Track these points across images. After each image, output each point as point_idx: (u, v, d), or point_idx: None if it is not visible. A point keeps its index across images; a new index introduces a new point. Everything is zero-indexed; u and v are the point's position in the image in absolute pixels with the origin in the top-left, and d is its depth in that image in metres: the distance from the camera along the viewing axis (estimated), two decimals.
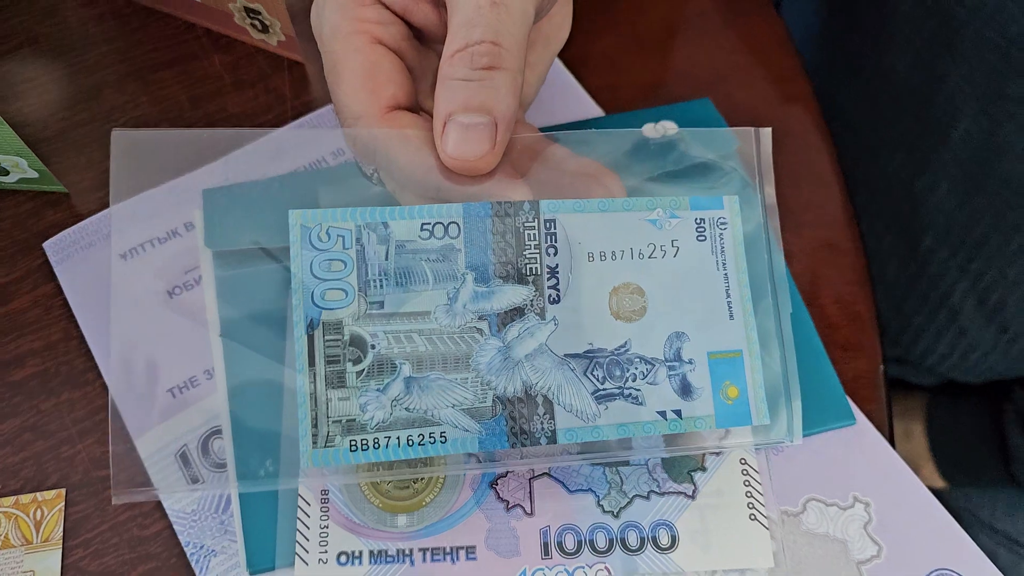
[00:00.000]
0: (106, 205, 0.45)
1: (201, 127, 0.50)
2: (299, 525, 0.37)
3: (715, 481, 0.40)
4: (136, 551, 0.39)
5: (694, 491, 0.39)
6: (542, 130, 0.40)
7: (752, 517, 0.39)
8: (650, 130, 0.43)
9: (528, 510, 0.39)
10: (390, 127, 0.35)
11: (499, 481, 0.39)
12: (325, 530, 0.37)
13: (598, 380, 0.35)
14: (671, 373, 0.36)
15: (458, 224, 0.35)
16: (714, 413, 0.36)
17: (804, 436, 0.40)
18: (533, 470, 0.39)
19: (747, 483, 0.40)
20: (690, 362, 0.36)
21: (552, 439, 0.35)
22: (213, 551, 0.38)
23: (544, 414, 0.35)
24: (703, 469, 0.40)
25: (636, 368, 0.36)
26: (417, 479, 0.39)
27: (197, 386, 0.41)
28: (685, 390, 0.36)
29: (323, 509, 0.38)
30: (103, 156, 0.47)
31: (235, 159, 0.42)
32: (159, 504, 0.39)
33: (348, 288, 0.34)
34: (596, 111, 0.50)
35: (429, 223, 0.35)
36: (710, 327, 0.37)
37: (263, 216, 0.40)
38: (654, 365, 0.36)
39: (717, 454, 0.40)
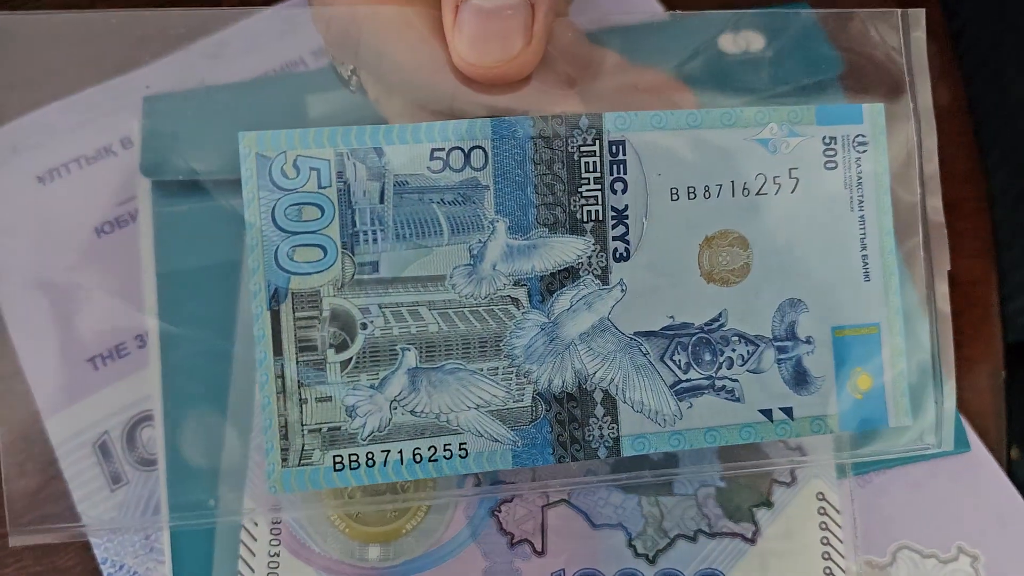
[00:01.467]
0: (18, 111, 0.34)
1: (149, 7, 0.38)
2: (242, 551, 0.28)
3: (783, 521, 0.30)
4: (42, 564, 0.30)
5: (755, 533, 0.29)
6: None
7: (827, 571, 0.29)
8: (728, 42, 0.31)
9: (538, 547, 0.29)
10: (379, 3, 0.24)
11: (503, 507, 0.29)
12: (275, 559, 0.28)
13: (680, 368, 0.25)
14: (781, 357, 0.26)
15: (485, 150, 0.24)
16: (839, 411, 0.26)
17: (898, 466, 0.30)
18: (548, 498, 0.30)
19: (824, 525, 0.30)
20: (808, 341, 0.26)
21: (615, 450, 0.25)
22: (135, 573, 0.29)
23: (604, 416, 0.25)
24: (769, 504, 0.30)
25: (734, 350, 0.26)
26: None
27: (125, 356, 0.31)
28: (800, 380, 0.26)
29: (274, 532, 0.29)
30: (17, 45, 0.36)
31: (191, 54, 0.31)
32: (73, 508, 0.31)
33: (327, 244, 0.24)
34: (656, 9, 0.37)
35: (443, 148, 0.24)
36: (837, 293, 0.26)
37: (221, 136, 0.29)
38: (758, 346, 0.26)
39: (788, 484, 0.30)
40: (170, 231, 0.30)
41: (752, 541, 0.29)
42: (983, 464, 0.32)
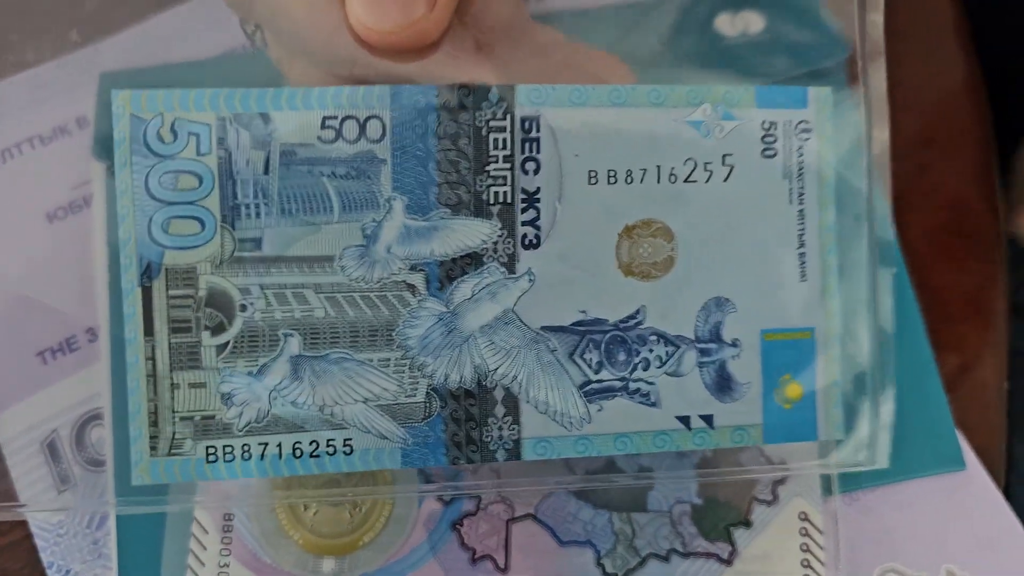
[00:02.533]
0: None
1: None
2: (191, 560, 0.26)
3: (761, 541, 0.27)
4: None
5: (731, 554, 0.27)
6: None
7: None
8: (726, 23, 0.29)
9: (501, 564, 0.27)
10: None
11: (465, 522, 0.27)
12: (225, 570, 0.27)
13: (591, 367, 0.23)
14: (704, 360, 0.24)
15: (382, 120, 0.22)
16: (763, 421, 0.24)
17: (887, 483, 0.28)
18: (513, 512, 0.28)
19: (805, 546, 0.27)
20: (734, 344, 0.24)
21: (514, 453, 0.23)
22: None
23: (504, 416, 0.23)
24: (747, 524, 0.28)
25: (651, 351, 0.24)
26: (353, 508, 0.27)
27: (76, 350, 0.29)
28: (723, 386, 0.24)
29: (224, 540, 0.27)
30: None
31: (154, 27, 0.30)
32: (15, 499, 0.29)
33: (205, 217, 0.22)
34: None
35: (335, 117, 0.22)
36: (769, 293, 0.24)
37: None
38: (679, 347, 0.24)
39: (769, 503, 0.28)
40: None
41: (728, 562, 0.27)
42: (978, 484, 0.29)
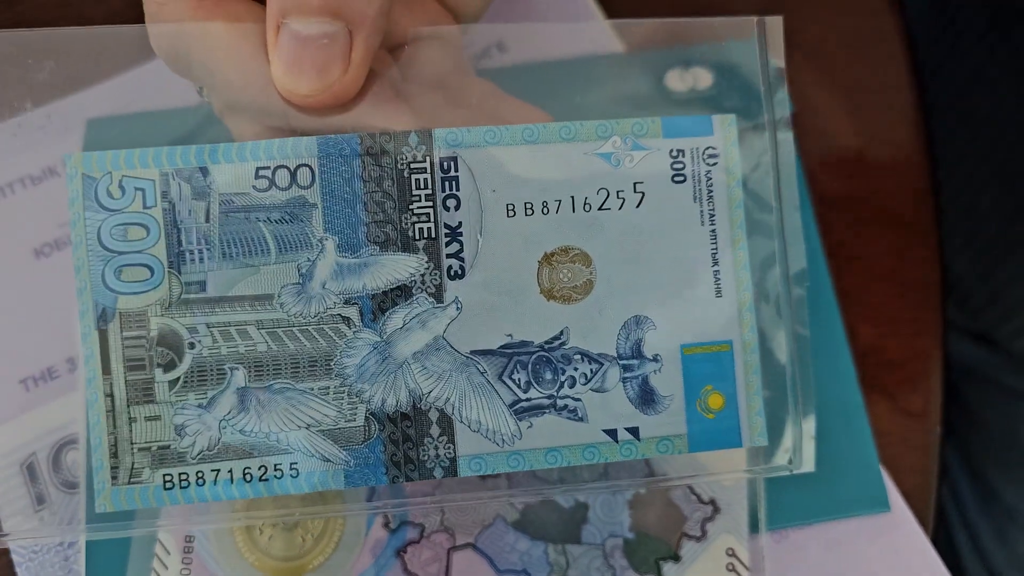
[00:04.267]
0: None
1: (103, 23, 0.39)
2: None
3: (690, 575, 0.29)
4: None
5: None
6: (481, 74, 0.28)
7: None
8: (675, 79, 0.30)
9: None
10: (209, 17, 0.24)
11: (409, 549, 0.29)
12: None
13: (520, 387, 0.25)
14: (627, 375, 0.25)
15: (311, 167, 0.24)
16: (687, 431, 0.25)
17: (815, 522, 0.29)
18: (454, 540, 0.29)
19: None
20: (655, 359, 0.25)
21: (451, 470, 0.25)
22: None
23: (440, 436, 0.25)
24: (675, 558, 0.29)
25: (576, 369, 0.25)
26: (305, 534, 0.29)
27: (56, 378, 0.32)
28: (646, 399, 0.25)
29: (185, 561, 0.29)
30: None
31: (140, 76, 0.31)
32: None
33: (153, 263, 0.24)
34: (612, 44, 0.36)
35: (268, 167, 0.24)
36: (687, 309, 0.26)
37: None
38: (602, 364, 0.25)
39: (698, 539, 0.29)
40: None
41: None
42: (905, 527, 0.30)
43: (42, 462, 0.31)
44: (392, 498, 0.28)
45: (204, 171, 0.24)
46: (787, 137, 0.26)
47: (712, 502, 0.29)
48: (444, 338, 0.25)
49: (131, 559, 0.29)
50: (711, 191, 0.26)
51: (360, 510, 0.28)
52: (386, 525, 0.29)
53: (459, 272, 0.25)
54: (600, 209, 0.25)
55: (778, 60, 0.26)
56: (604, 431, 0.25)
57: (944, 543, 0.32)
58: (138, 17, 0.35)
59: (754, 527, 0.29)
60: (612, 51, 0.34)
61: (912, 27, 0.37)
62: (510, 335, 0.25)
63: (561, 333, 0.25)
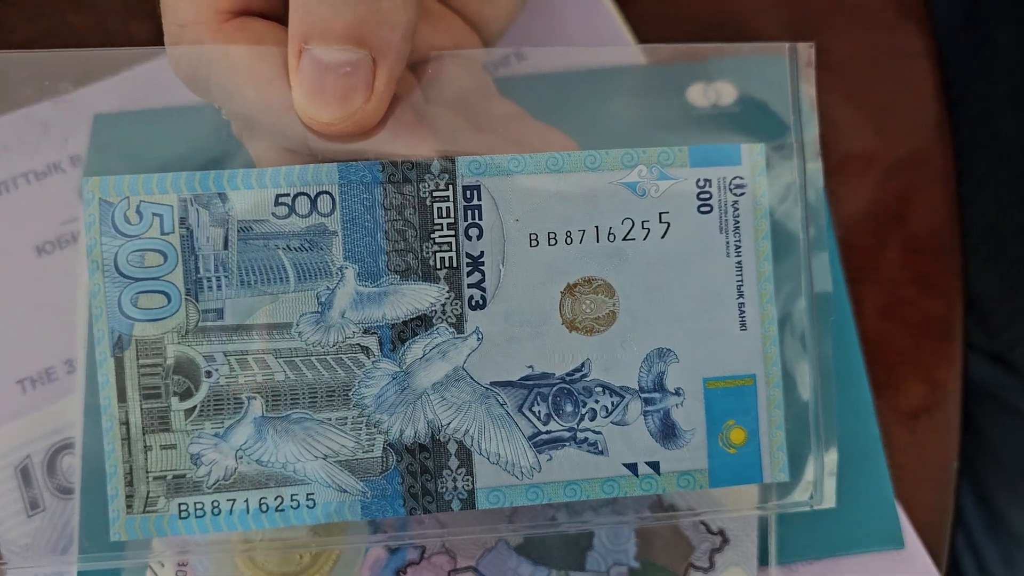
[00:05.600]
0: None
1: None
2: None
3: None
4: None
5: None
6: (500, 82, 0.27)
7: None
8: (698, 93, 0.30)
9: None
10: (229, 42, 0.23)
11: (409, 570, 0.29)
12: None
13: (540, 419, 0.25)
14: (648, 409, 0.25)
15: (332, 195, 0.24)
16: (708, 466, 0.25)
17: (825, 558, 0.29)
18: (455, 563, 0.29)
19: None
20: (677, 393, 0.25)
21: (469, 503, 0.24)
22: None
23: (458, 468, 0.24)
24: None
25: (597, 401, 0.25)
26: (304, 551, 0.29)
27: (55, 381, 0.31)
28: (668, 433, 0.25)
29: (179, 575, 0.28)
30: None
31: (146, 72, 0.31)
32: None
33: (171, 290, 0.24)
34: (634, 57, 0.34)
35: (288, 194, 0.24)
36: (710, 342, 0.25)
37: (169, 161, 0.28)
38: (624, 397, 0.25)
39: (706, 570, 0.29)
40: None
41: None
42: (919, 563, 0.30)
43: (37, 466, 0.30)
44: (398, 530, 0.27)
45: (223, 197, 0.23)
46: (816, 167, 0.25)
47: (721, 533, 0.28)
48: (464, 369, 0.24)
49: (125, 571, 0.28)
50: (738, 222, 0.25)
51: (362, 542, 0.28)
52: (386, 545, 0.29)
53: (480, 302, 0.24)
54: (624, 239, 0.25)
55: (809, 88, 0.25)
56: (624, 464, 0.25)
57: (949, 565, 0.32)
58: (125, 21, 0.35)
59: (764, 560, 0.28)
60: (633, 63, 0.33)
61: (944, 44, 0.36)
62: (531, 366, 0.25)
63: (583, 365, 0.25)
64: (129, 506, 0.24)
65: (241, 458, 0.24)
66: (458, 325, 0.24)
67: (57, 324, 0.31)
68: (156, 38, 0.25)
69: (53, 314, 0.31)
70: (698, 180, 0.25)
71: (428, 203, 0.24)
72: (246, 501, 0.24)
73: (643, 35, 0.33)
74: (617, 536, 0.28)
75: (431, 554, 0.29)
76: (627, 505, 0.28)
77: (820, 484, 0.26)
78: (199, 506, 0.24)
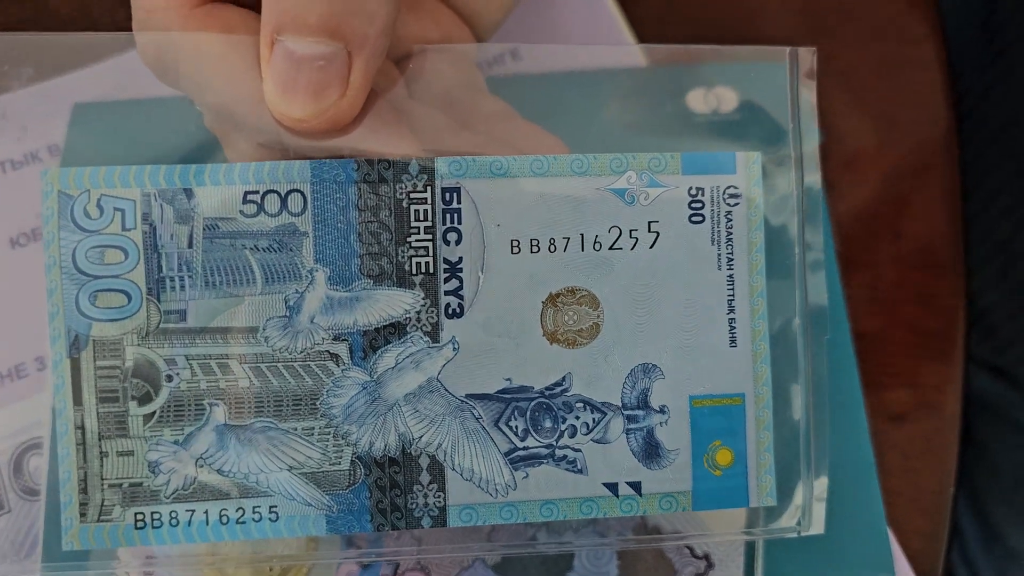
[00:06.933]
0: None
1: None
2: None
3: None
4: None
5: None
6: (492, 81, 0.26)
7: None
8: (698, 99, 0.28)
9: None
10: (200, 28, 0.22)
11: None
12: None
13: (517, 434, 0.23)
14: (631, 427, 0.24)
15: (303, 193, 0.22)
16: (692, 488, 0.24)
17: None
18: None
19: None
20: (661, 411, 0.24)
21: (440, 520, 0.23)
22: None
23: (430, 483, 0.23)
24: None
25: (578, 418, 0.24)
26: (274, 566, 0.28)
27: (24, 377, 0.30)
28: (650, 452, 0.24)
29: None
30: None
31: (128, 62, 0.30)
32: None
33: (131, 289, 0.22)
34: (633, 58, 0.33)
35: (257, 191, 0.22)
36: (698, 359, 0.24)
37: (151, 153, 0.27)
38: (605, 414, 0.24)
39: None
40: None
41: None
42: None
43: (3, 466, 0.29)
44: (372, 547, 0.26)
45: (188, 193, 0.22)
46: (815, 178, 0.24)
47: (706, 557, 0.27)
48: (439, 380, 0.23)
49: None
50: (731, 233, 0.24)
51: (333, 559, 0.26)
52: (358, 560, 0.27)
53: (457, 311, 0.23)
54: (611, 248, 0.24)
55: (810, 95, 0.24)
56: (604, 484, 0.24)
57: None
58: (112, 8, 0.33)
59: None
60: (633, 64, 0.32)
61: (957, 53, 0.35)
62: (509, 379, 0.23)
63: (563, 379, 0.24)
64: (83, 514, 0.23)
65: (202, 467, 0.23)
66: (433, 334, 0.23)
67: (29, 319, 0.30)
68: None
69: (25, 309, 0.30)
70: (690, 188, 0.24)
71: (405, 205, 0.23)
72: (206, 512, 0.23)
73: (646, 38, 0.32)
74: (598, 558, 0.27)
75: (404, 571, 0.27)
76: (609, 526, 0.27)
77: (809, 509, 0.25)
78: (156, 516, 0.23)
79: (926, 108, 0.32)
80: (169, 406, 0.23)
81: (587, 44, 0.33)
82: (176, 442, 0.23)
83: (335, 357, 0.23)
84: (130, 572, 0.27)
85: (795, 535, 0.25)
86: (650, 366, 0.24)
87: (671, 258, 0.24)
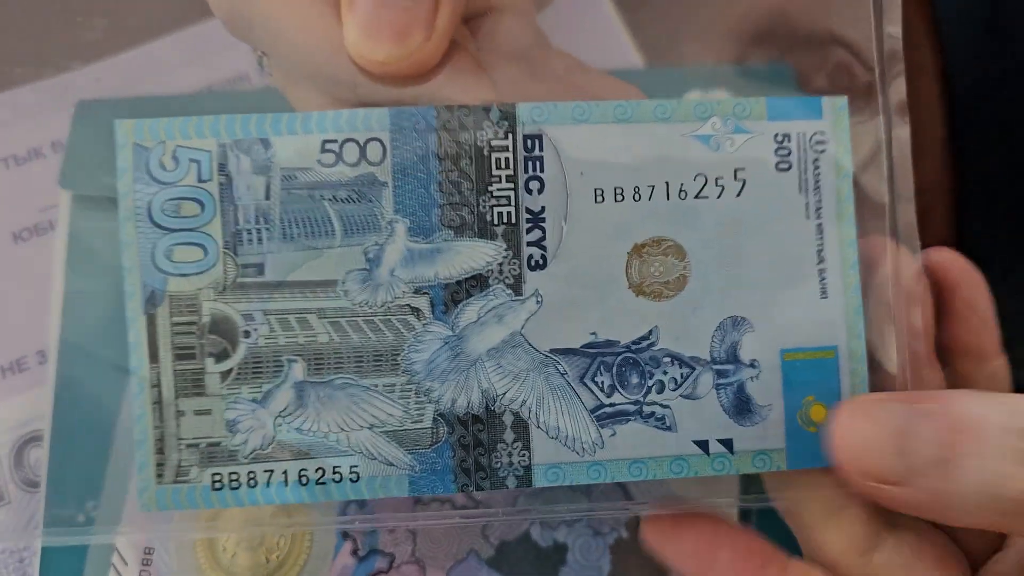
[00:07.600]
0: None
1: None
2: None
3: None
4: None
5: None
6: None
7: None
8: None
9: None
10: None
11: None
12: None
13: (603, 391, 0.23)
14: (721, 382, 0.23)
15: (382, 142, 0.22)
16: (786, 446, 0.23)
17: None
18: (424, 573, 0.26)
19: None
20: (752, 365, 0.23)
21: (525, 480, 0.22)
22: None
23: (514, 442, 0.22)
24: None
25: (665, 372, 0.23)
26: (270, 554, 0.27)
27: (25, 370, 0.30)
28: (742, 408, 0.23)
29: (143, 573, 0.26)
30: None
31: (132, 59, 0.30)
32: None
33: (208, 243, 0.22)
34: (632, 60, 0.33)
35: (335, 140, 0.22)
36: (788, 311, 0.23)
37: None
38: (694, 368, 0.23)
39: None
40: (85, 249, 0.28)
41: None
42: None
43: (4, 458, 0.29)
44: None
45: (265, 143, 0.22)
46: (903, 128, 0.23)
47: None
48: (522, 334, 0.22)
49: (87, 567, 0.27)
50: (818, 181, 0.23)
51: (329, 524, 0.26)
52: (355, 552, 0.27)
53: (540, 262, 0.22)
54: (697, 197, 0.23)
55: (894, 29, 0.24)
56: (695, 442, 0.23)
57: None
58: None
59: None
60: (632, 66, 0.32)
61: (959, 53, 0.34)
62: (594, 333, 0.23)
63: (650, 333, 0.23)
64: (160, 475, 0.22)
65: (280, 426, 0.22)
66: (516, 286, 0.22)
67: (31, 313, 0.30)
68: (144, 26, 0.23)
69: (27, 303, 0.30)
70: (776, 134, 0.23)
71: (486, 153, 0.22)
72: (284, 473, 0.22)
73: (642, 43, 0.32)
74: (591, 552, 0.27)
75: (400, 563, 0.27)
76: (603, 522, 0.26)
77: None
78: (234, 477, 0.22)
79: (922, 113, 0.32)
80: (247, 363, 0.22)
81: (587, 44, 0.33)
82: (254, 400, 0.22)
83: (416, 311, 0.22)
84: (128, 561, 0.27)
85: None
86: (739, 319, 0.23)
87: (758, 207, 0.23)
